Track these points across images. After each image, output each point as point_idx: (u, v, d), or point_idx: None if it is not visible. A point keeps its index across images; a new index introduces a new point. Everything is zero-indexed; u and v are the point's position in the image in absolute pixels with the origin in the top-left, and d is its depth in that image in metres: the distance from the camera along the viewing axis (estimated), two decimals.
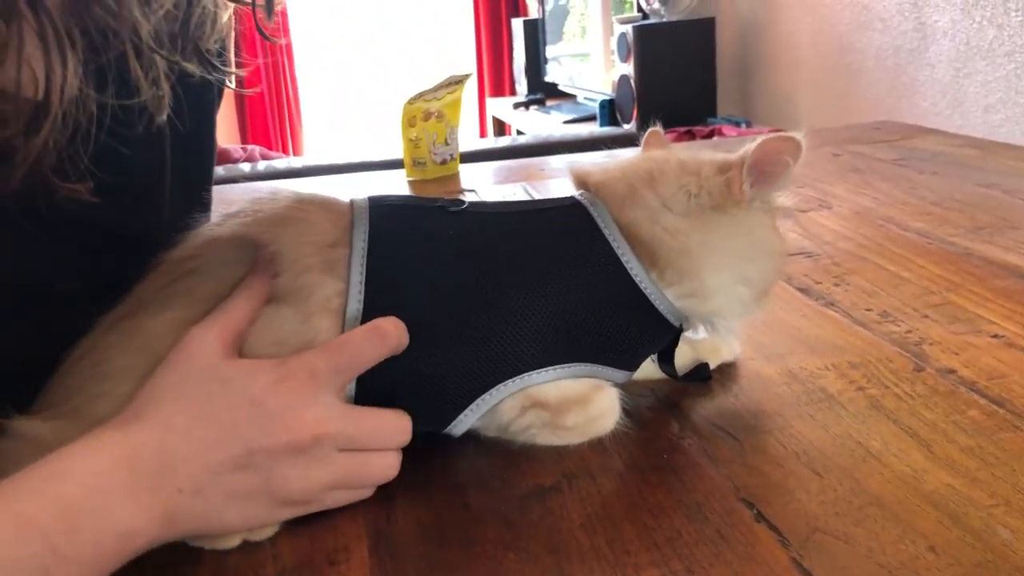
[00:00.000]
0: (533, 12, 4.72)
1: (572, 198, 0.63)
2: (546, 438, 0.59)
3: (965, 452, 0.55)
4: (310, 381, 0.51)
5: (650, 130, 0.72)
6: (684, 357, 0.66)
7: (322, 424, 0.51)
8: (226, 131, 5.03)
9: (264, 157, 2.82)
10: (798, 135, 0.59)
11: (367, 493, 0.54)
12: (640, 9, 3.27)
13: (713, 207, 0.60)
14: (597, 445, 0.59)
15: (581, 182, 0.65)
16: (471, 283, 0.56)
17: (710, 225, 0.60)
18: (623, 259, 0.59)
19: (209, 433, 0.48)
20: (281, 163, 2.39)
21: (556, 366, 0.57)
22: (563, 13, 4.03)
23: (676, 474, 0.55)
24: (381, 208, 0.59)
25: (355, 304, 0.54)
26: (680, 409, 0.64)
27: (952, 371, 0.65)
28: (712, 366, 0.68)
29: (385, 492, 0.55)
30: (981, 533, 0.47)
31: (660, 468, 0.56)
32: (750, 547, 0.47)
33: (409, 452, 0.56)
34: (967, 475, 0.52)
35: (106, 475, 0.45)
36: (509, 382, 0.56)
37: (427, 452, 0.58)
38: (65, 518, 0.42)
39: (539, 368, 0.56)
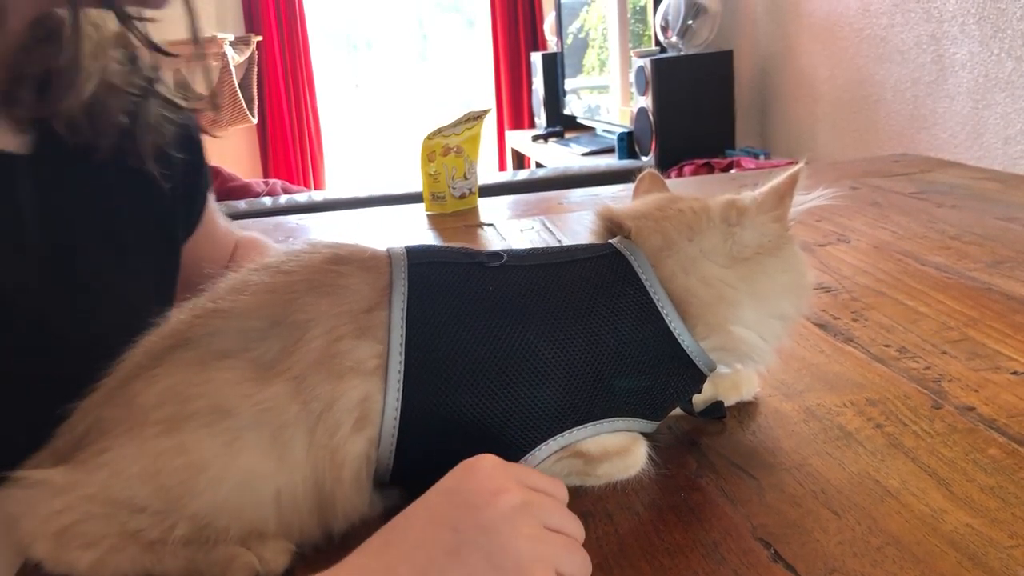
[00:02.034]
0: (552, 46, 4.76)
1: (610, 246, 0.63)
2: (570, 481, 0.59)
3: (985, 491, 0.54)
4: (498, 465, 0.50)
5: (647, 171, 0.73)
6: (703, 393, 0.66)
7: (518, 489, 0.48)
8: (249, 165, 5.09)
9: (286, 191, 2.85)
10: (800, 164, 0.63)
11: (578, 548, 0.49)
12: (658, 42, 3.29)
13: (758, 250, 0.61)
14: (614, 484, 0.59)
15: (612, 226, 0.65)
16: (512, 343, 0.56)
17: (755, 269, 0.61)
18: (663, 312, 0.59)
19: (409, 537, 0.46)
20: (302, 197, 2.41)
21: (596, 422, 0.57)
22: (582, 47, 4.06)
23: (693, 513, 0.55)
24: (419, 266, 0.59)
25: (396, 366, 0.54)
26: (698, 447, 0.64)
27: (971, 408, 0.65)
28: (731, 403, 0.68)
29: None
30: (1001, 575, 0.47)
31: (677, 507, 0.56)
32: None
33: (424, 490, 0.57)
34: (987, 515, 0.52)
35: None
36: (551, 441, 0.56)
37: None
38: None
39: (581, 424, 0.57)
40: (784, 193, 0.63)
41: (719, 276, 0.61)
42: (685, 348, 0.59)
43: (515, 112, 5.26)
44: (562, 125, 4.41)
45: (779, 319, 0.63)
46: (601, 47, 3.81)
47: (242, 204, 2.30)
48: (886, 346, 0.78)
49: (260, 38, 4.76)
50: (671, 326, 0.59)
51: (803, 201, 0.64)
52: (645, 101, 3.14)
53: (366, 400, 0.54)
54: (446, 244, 0.68)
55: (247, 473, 0.51)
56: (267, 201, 2.34)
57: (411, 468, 0.55)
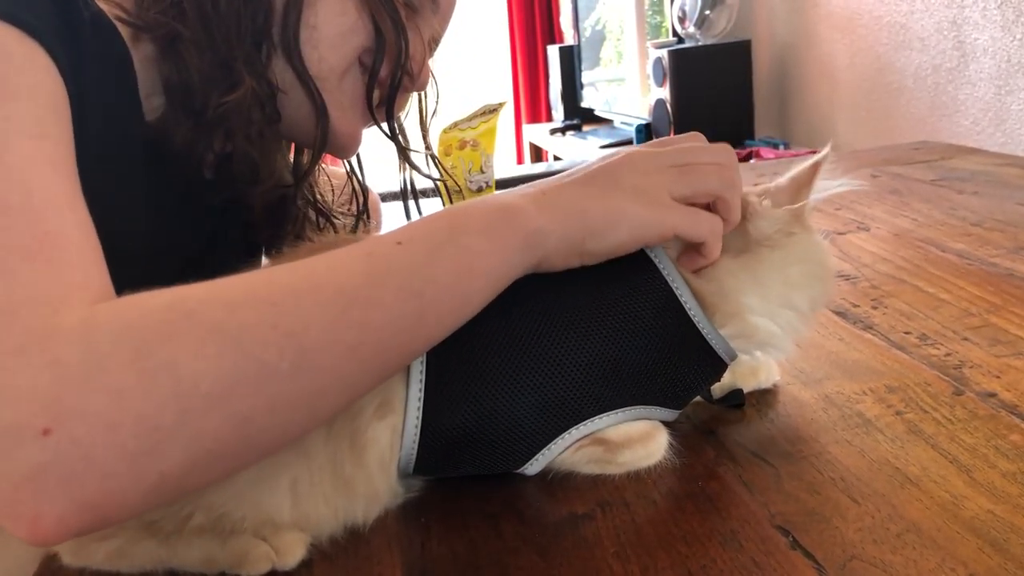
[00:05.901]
0: (569, 39, 4.74)
1: None
2: (590, 469, 0.59)
3: (1007, 478, 0.54)
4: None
5: None
6: (721, 380, 0.65)
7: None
8: None
9: None
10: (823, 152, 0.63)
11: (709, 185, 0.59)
12: (675, 33, 3.28)
13: (772, 242, 0.61)
14: (632, 473, 0.59)
15: None
16: (533, 332, 0.57)
17: (764, 261, 0.61)
18: (682, 299, 0.59)
19: (576, 176, 0.59)
20: None
21: (618, 410, 0.57)
22: (599, 39, 4.05)
23: (711, 501, 0.55)
24: None
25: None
26: (716, 436, 0.63)
27: (993, 395, 0.64)
28: (749, 389, 0.68)
29: (420, 520, 0.55)
30: (1023, 561, 0.46)
31: (695, 495, 0.56)
32: (785, 575, 0.47)
33: (443, 480, 0.57)
34: (1009, 501, 0.51)
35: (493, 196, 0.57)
36: (573, 430, 0.57)
37: (462, 480, 0.58)
38: (461, 207, 0.56)
39: (603, 413, 0.57)
40: (804, 183, 0.62)
41: (725, 267, 0.60)
42: (706, 336, 0.59)
43: (532, 106, 5.24)
44: (580, 118, 4.39)
45: (792, 309, 0.62)
46: (618, 39, 3.80)
47: None
48: (906, 333, 0.77)
49: None
50: (691, 314, 0.59)
51: (824, 187, 0.64)
52: (663, 92, 3.12)
53: (388, 387, 0.54)
54: None
55: (263, 462, 0.51)
56: None
57: (435, 458, 0.56)
